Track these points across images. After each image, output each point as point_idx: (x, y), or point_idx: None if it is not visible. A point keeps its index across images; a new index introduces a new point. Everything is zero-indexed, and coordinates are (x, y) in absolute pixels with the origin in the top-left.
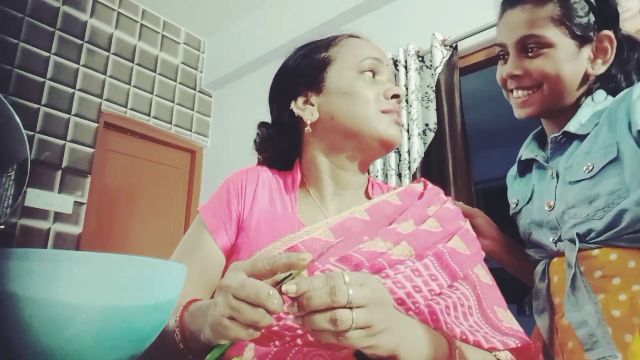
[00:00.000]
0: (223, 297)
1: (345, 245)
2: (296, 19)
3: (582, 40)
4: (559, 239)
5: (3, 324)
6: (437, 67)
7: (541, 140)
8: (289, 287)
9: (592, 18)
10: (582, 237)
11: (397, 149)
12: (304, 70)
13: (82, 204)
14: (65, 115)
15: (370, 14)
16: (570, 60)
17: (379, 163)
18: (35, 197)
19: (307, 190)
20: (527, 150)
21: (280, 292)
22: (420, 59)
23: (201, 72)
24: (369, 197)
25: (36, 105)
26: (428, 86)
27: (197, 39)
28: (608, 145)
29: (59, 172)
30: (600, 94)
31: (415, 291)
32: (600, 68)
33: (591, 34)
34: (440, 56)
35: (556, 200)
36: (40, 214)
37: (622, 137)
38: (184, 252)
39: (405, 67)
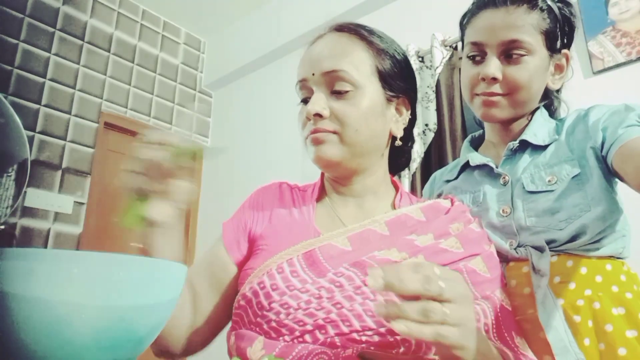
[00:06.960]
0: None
1: (360, 251)
2: (296, 19)
3: (552, 53)
4: (519, 245)
5: (2, 324)
6: (437, 68)
7: (475, 147)
8: (375, 272)
9: (562, 34)
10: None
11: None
12: None
13: (82, 204)
14: (65, 116)
15: (371, 14)
16: (541, 72)
17: None
18: (35, 197)
19: (327, 198)
20: (474, 157)
21: None
22: (420, 59)
23: (201, 72)
24: (395, 208)
25: (36, 105)
26: (428, 86)
27: (197, 39)
28: (569, 160)
29: (59, 172)
30: (545, 111)
31: None
32: (557, 83)
33: (559, 49)
34: (440, 56)
35: (513, 207)
36: (40, 214)
37: (583, 157)
38: (200, 261)
39: None
